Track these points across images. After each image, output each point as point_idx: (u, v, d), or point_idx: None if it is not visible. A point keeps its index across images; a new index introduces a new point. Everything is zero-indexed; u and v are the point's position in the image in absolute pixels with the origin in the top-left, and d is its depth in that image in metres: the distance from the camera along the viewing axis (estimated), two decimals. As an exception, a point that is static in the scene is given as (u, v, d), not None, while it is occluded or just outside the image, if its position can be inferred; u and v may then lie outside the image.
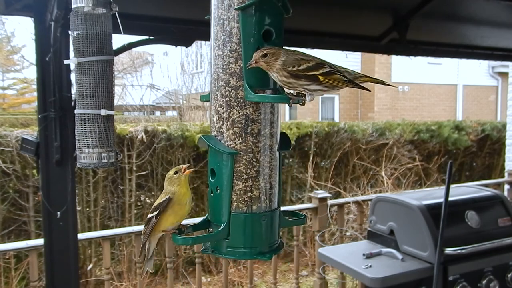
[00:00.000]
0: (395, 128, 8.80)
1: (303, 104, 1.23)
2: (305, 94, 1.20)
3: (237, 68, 1.20)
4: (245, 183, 1.23)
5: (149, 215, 1.32)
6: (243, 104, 1.21)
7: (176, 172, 1.34)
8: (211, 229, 1.31)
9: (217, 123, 1.24)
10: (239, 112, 1.21)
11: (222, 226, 1.23)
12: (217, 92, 1.23)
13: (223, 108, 1.22)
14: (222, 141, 1.23)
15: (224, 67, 1.22)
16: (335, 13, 3.00)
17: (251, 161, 1.23)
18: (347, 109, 16.81)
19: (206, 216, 1.32)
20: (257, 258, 1.27)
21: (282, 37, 1.24)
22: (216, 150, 1.23)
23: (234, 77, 1.21)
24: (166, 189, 1.33)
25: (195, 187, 6.65)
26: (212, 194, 1.27)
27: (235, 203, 1.24)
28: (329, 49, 3.56)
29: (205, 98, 1.37)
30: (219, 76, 1.23)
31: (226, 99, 1.22)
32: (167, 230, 1.33)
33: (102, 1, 1.46)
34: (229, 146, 1.22)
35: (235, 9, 1.19)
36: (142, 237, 1.34)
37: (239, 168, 1.23)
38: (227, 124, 1.22)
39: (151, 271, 1.41)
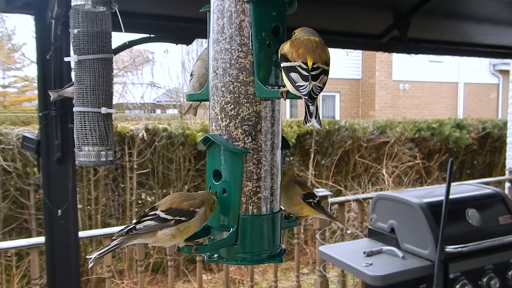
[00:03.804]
0: (396, 126, 8.80)
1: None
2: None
3: (247, 63, 1.15)
4: (255, 183, 1.17)
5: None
6: (253, 101, 1.15)
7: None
8: (212, 236, 1.24)
9: (222, 121, 1.17)
10: (249, 109, 1.16)
11: (232, 231, 1.16)
12: (222, 88, 1.17)
13: (230, 105, 1.16)
14: (230, 140, 1.16)
15: (232, 61, 1.15)
16: (336, 11, 3.00)
17: (261, 160, 1.18)
18: (348, 107, 16.79)
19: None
20: (269, 261, 1.22)
21: (286, 33, 1.22)
22: (226, 149, 1.16)
23: (243, 72, 1.15)
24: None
25: (196, 185, 6.66)
26: (216, 198, 1.19)
27: (244, 206, 1.17)
28: (330, 47, 3.54)
29: (198, 96, 1.30)
30: (226, 71, 1.16)
31: (235, 95, 1.16)
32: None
33: (102, -1, 1.46)
34: (238, 145, 1.16)
35: (246, 1, 1.14)
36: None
37: (248, 168, 1.16)
38: (236, 122, 1.16)
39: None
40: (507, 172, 6.80)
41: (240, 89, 1.16)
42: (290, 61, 1.08)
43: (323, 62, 1.08)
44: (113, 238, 1.15)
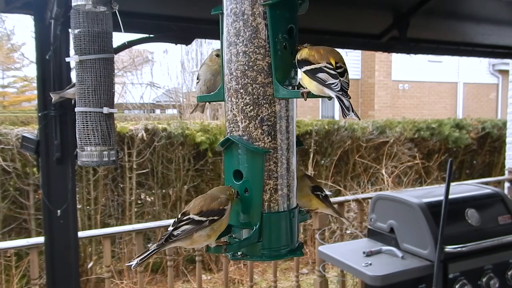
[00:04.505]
0: (395, 126, 8.80)
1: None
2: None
3: (265, 65, 1.18)
4: (275, 181, 1.21)
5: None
6: (271, 101, 1.18)
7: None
8: (233, 234, 1.28)
9: (242, 123, 1.20)
10: (268, 110, 1.19)
11: (255, 229, 1.20)
12: (241, 90, 1.19)
13: (249, 107, 1.19)
14: (250, 141, 1.19)
15: (250, 64, 1.18)
16: (336, 11, 3.00)
17: (281, 159, 1.21)
18: (347, 107, 16.77)
19: None
20: (291, 255, 1.26)
21: (298, 34, 1.24)
22: (247, 150, 1.19)
23: (262, 74, 1.18)
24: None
25: (195, 185, 6.66)
26: (238, 197, 1.24)
27: (266, 203, 1.21)
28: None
29: (210, 98, 1.33)
30: (245, 74, 1.18)
31: (254, 97, 1.18)
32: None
33: (102, -1, 1.46)
34: (259, 145, 1.19)
35: (263, 5, 1.16)
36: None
37: (269, 167, 1.20)
38: (255, 123, 1.19)
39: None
40: (506, 172, 6.81)
41: (259, 90, 1.18)
42: (314, 64, 1.12)
43: (342, 62, 1.15)
44: (151, 245, 1.21)
